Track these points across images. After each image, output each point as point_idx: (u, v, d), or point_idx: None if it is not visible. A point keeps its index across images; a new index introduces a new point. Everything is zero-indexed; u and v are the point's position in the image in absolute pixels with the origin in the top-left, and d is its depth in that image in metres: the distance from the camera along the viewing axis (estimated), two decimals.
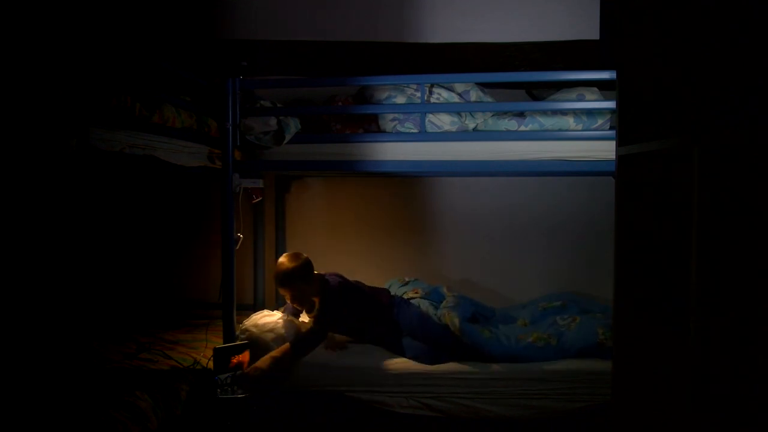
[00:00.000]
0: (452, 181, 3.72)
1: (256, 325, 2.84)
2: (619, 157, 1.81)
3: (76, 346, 2.01)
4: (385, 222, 3.77)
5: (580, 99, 2.72)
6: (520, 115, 2.72)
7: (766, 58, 1.19)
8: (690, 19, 1.45)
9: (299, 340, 2.72)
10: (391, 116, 2.74)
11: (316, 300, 2.89)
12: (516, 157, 2.66)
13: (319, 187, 3.84)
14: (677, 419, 1.44)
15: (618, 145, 1.82)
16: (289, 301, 2.96)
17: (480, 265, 3.71)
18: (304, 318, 3.05)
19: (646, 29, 1.71)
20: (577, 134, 2.65)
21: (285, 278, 2.83)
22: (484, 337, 2.79)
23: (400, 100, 2.76)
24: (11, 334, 1.64)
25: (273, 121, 2.71)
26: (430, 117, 2.71)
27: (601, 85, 2.79)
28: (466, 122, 2.77)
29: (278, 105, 2.89)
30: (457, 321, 2.80)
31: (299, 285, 2.84)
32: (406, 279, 3.41)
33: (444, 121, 2.73)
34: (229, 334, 2.66)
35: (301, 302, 2.92)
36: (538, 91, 3.08)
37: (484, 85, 2.93)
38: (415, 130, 2.70)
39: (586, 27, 2.92)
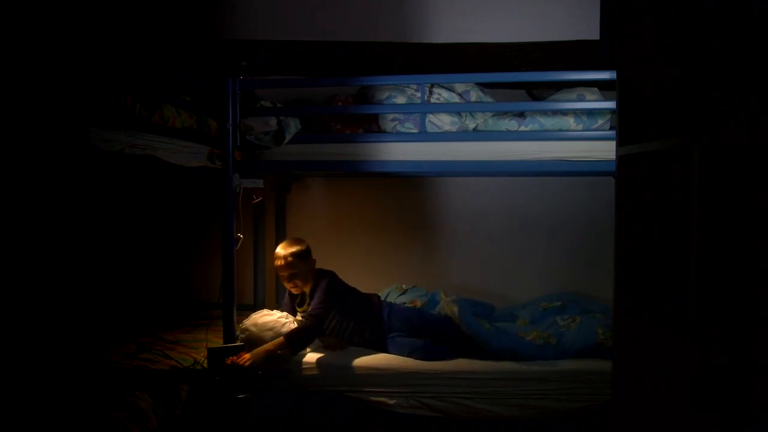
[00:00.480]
0: (452, 181, 3.72)
1: (255, 325, 2.84)
2: (619, 157, 1.81)
3: (77, 346, 2.01)
4: (385, 221, 3.78)
5: (581, 99, 2.72)
6: (521, 115, 2.72)
7: (766, 58, 1.19)
8: (690, 19, 1.45)
9: (294, 333, 2.71)
10: (391, 116, 2.74)
11: (307, 292, 2.92)
12: (516, 157, 2.67)
13: (319, 187, 3.84)
14: (677, 419, 1.44)
15: (618, 145, 1.82)
16: (284, 283, 2.96)
17: (480, 264, 3.71)
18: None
19: (646, 29, 1.71)
20: (577, 134, 2.65)
21: (286, 253, 2.87)
22: (484, 329, 2.79)
23: (401, 100, 2.76)
24: (11, 334, 1.64)
25: (273, 121, 2.71)
26: (431, 117, 2.71)
27: (601, 85, 2.79)
28: (467, 122, 2.77)
29: (278, 105, 2.89)
30: (456, 310, 2.82)
31: (297, 262, 2.86)
32: (404, 287, 3.42)
33: (444, 121, 2.73)
34: (229, 334, 2.66)
35: (296, 284, 2.91)
36: (538, 91, 3.08)
37: (484, 85, 2.93)
38: (416, 130, 2.70)
39: (586, 27, 2.92)
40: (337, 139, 2.79)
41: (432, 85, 2.77)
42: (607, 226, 2.01)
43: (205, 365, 2.60)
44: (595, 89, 2.78)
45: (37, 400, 1.72)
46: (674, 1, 1.53)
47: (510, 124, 2.71)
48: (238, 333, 2.77)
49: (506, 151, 2.67)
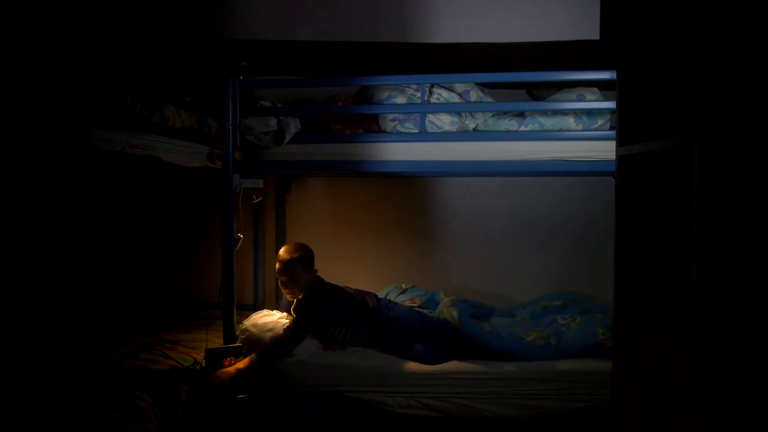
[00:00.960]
0: (452, 181, 3.72)
1: (255, 325, 2.84)
2: (619, 157, 1.81)
3: (77, 346, 2.01)
4: (385, 221, 3.78)
5: (581, 99, 2.72)
6: (521, 115, 2.72)
7: (766, 58, 1.19)
8: (690, 19, 1.45)
9: (266, 350, 2.64)
10: (391, 116, 2.74)
11: (298, 297, 2.87)
12: (516, 157, 2.67)
13: (319, 187, 3.84)
14: (677, 419, 1.44)
15: (618, 145, 1.82)
16: (281, 287, 2.93)
17: (480, 264, 3.71)
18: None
19: (646, 29, 1.71)
20: (577, 134, 2.65)
21: (287, 258, 2.83)
22: (484, 331, 2.79)
23: (401, 100, 2.76)
24: (12, 334, 1.64)
25: (273, 121, 2.71)
26: (431, 117, 2.71)
27: (601, 85, 2.79)
28: (467, 122, 2.77)
29: (278, 105, 2.89)
30: (456, 314, 2.81)
31: (292, 269, 2.82)
32: (404, 286, 3.41)
33: (444, 121, 2.73)
34: (229, 334, 2.66)
35: (292, 290, 2.87)
36: (538, 91, 3.08)
37: (484, 85, 2.93)
38: (416, 130, 2.70)
39: (586, 27, 2.92)
40: (337, 139, 2.79)
41: (432, 85, 2.77)
42: (607, 226, 2.01)
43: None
44: (595, 89, 2.78)
45: (37, 400, 1.72)
46: (674, 1, 1.53)
47: (510, 124, 2.71)
48: (238, 333, 2.76)
49: (506, 151, 2.67)
